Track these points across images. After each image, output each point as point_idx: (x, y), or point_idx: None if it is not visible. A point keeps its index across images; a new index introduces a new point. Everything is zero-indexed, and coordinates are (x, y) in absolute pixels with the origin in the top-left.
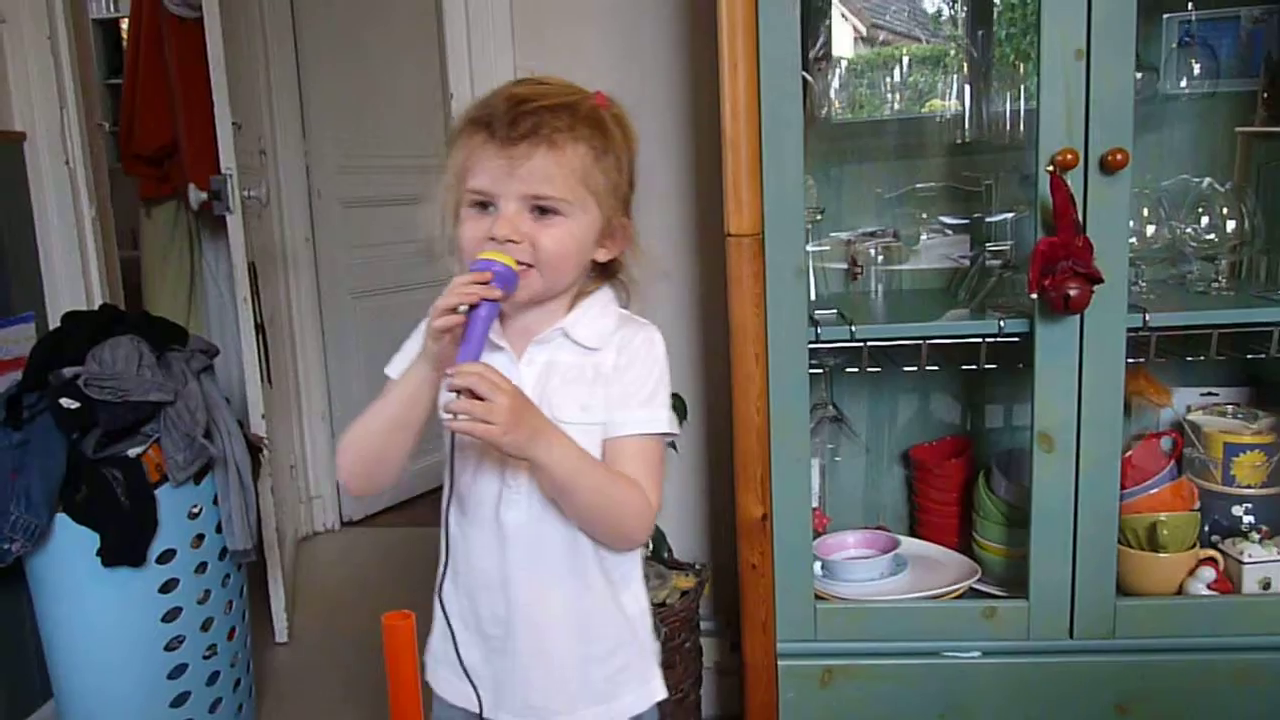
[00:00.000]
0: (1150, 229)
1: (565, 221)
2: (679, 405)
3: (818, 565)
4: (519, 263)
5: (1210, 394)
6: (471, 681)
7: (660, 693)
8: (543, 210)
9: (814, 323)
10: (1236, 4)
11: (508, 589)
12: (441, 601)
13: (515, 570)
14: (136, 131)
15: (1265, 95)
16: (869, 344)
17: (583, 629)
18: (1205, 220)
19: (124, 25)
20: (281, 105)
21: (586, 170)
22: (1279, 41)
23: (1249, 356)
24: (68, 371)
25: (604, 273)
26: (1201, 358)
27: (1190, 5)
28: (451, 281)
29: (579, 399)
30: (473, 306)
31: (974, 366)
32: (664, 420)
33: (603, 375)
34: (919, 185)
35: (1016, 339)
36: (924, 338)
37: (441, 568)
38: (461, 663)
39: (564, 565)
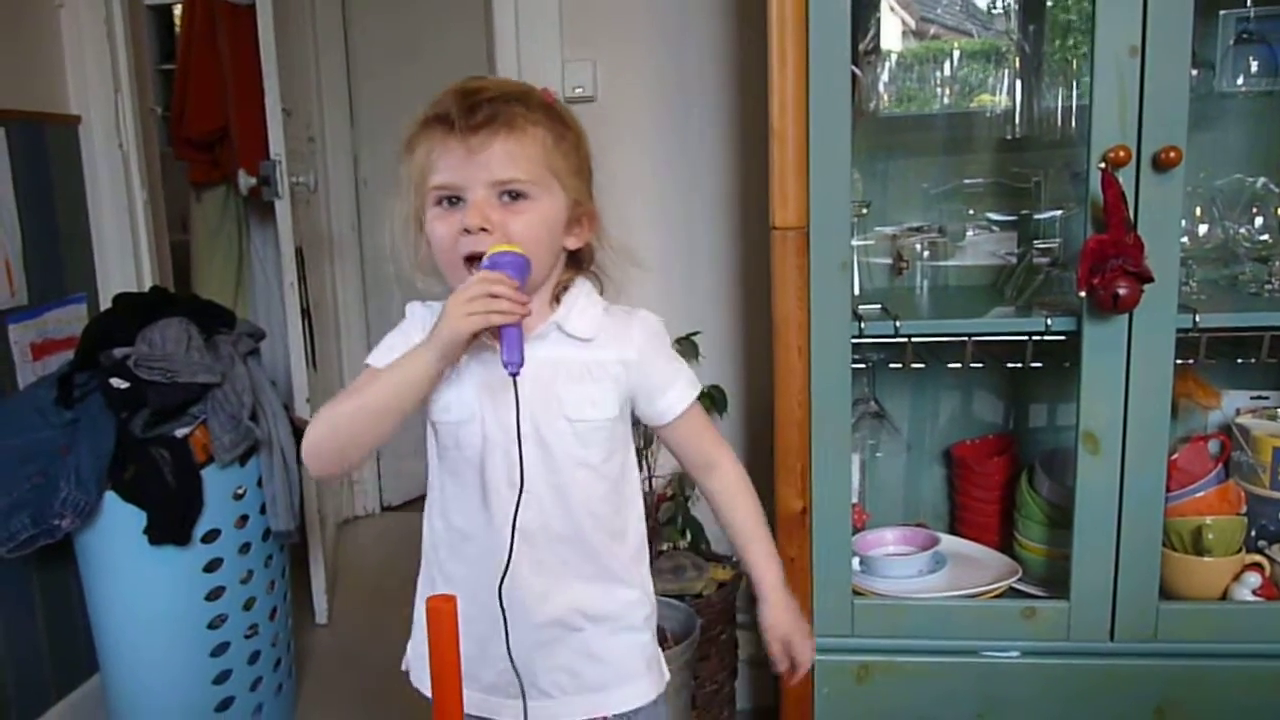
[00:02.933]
0: (1203, 229)
1: (534, 205)
2: (719, 397)
3: (856, 561)
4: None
5: (1260, 397)
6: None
7: (661, 686)
8: (511, 195)
9: (858, 317)
10: None
11: (528, 585)
12: (501, 601)
13: (528, 566)
14: (188, 116)
15: None
16: (913, 340)
17: (590, 620)
18: (1260, 221)
19: (177, 11)
20: (330, 93)
21: (548, 152)
22: None
23: None
24: (118, 352)
25: (574, 263)
26: (1253, 360)
27: (1248, 1)
28: (474, 282)
29: (589, 396)
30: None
31: (1019, 365)
32: (694, 378)
33: (609, 372)
34: (966, 181)
35: (1063, 337)
36: (969, 334)
37: (505, 566)
38: (511, 659)
39: (576, 558)
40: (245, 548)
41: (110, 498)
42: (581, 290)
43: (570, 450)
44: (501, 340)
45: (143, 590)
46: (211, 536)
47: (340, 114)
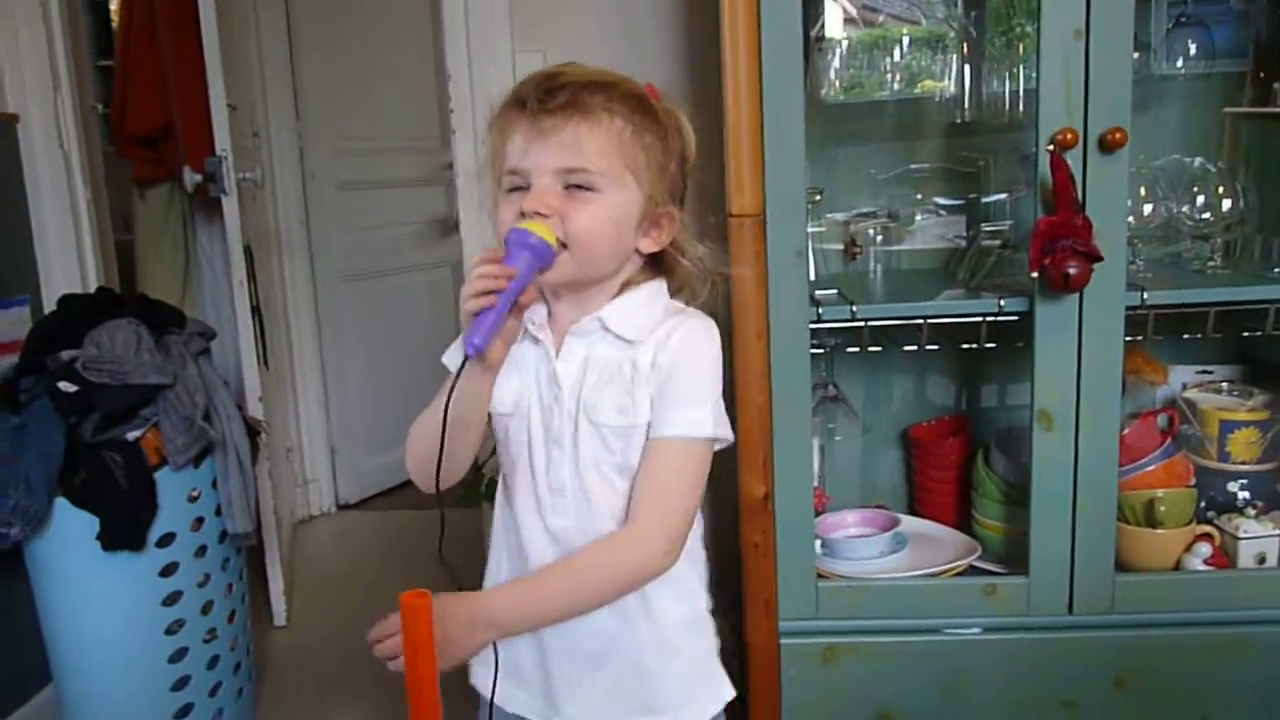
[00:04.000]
0: (1147, 208)
1: (599, 198)
2: None
3: (818, 544)
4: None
5: (1205, 372)
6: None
7: (725, 697)
8: (577, 186)
9: (815, 303)
10: None
11: None
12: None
13: None
14: (130, 113)
15: (1254, 76)
16: (869, 324)
17: (632, 637)
18: (1200, 200)
19: (113, 5)
20: (275, 87)
21: (623, 144)
22: (1267, 23)
23: (1244, 335)
24: (66, 355)
25: (656, 268)
26: (1198, 336)
27: None
28: (475, 261)
29: (614, 400)
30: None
31: (973, 345)
32: (708, 423)
33: (642, 374)
34: (914, 166)
35: (1016, 318)
36: (924, 317)
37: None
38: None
39: None
40: (201, 551)
41: (61, 504)
42: (646, 290)
43: (594, 453)
44: (473, 319)
45: (97, 598)
46: (166, 540)
47: (285, 108)
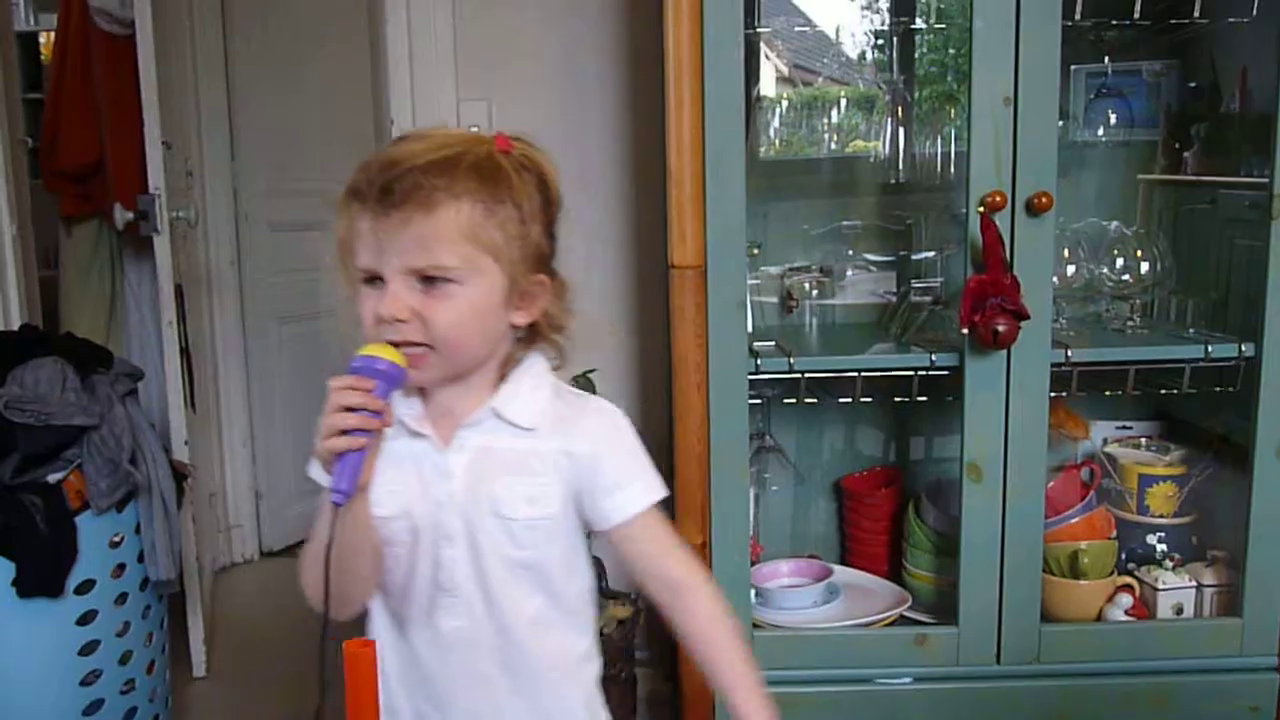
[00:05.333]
0: (1070, 269)
1: (458, 290)
2: None
3: (752, 593)
4: (414, 343)
5: (1125, 428)
6: None
7: None
8: (430, 280)
9: (753, 354)
10: (1139, 59)
11: (454, 697)
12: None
13: (459, 676)
14: (60, 148)
15: (1166, 144)
16: (806, 375)
17: None
18: (1120, 262)
19: (43, 39)
20: (210, 126)
21: (475, 228)
22: (1178, 95)
23: (1162, 392)
24: None
25: (532, 334)
26: (1119, 392)
27: (1103, 59)
28: (331, 391)
29: (525, 492)
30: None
31: (906, 399)
32: (657, 482)
33: (549, 464)
34: (845, 222)
35: (946, 372)
36: (860, 370)
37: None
38: None
39: (506, 664)
40: (122, 598)
41: None
42: (531, 370)
43: (503, 551)
44: (336, 460)
45: (10, 646)
46: (86, 587)
47: (220, 146)
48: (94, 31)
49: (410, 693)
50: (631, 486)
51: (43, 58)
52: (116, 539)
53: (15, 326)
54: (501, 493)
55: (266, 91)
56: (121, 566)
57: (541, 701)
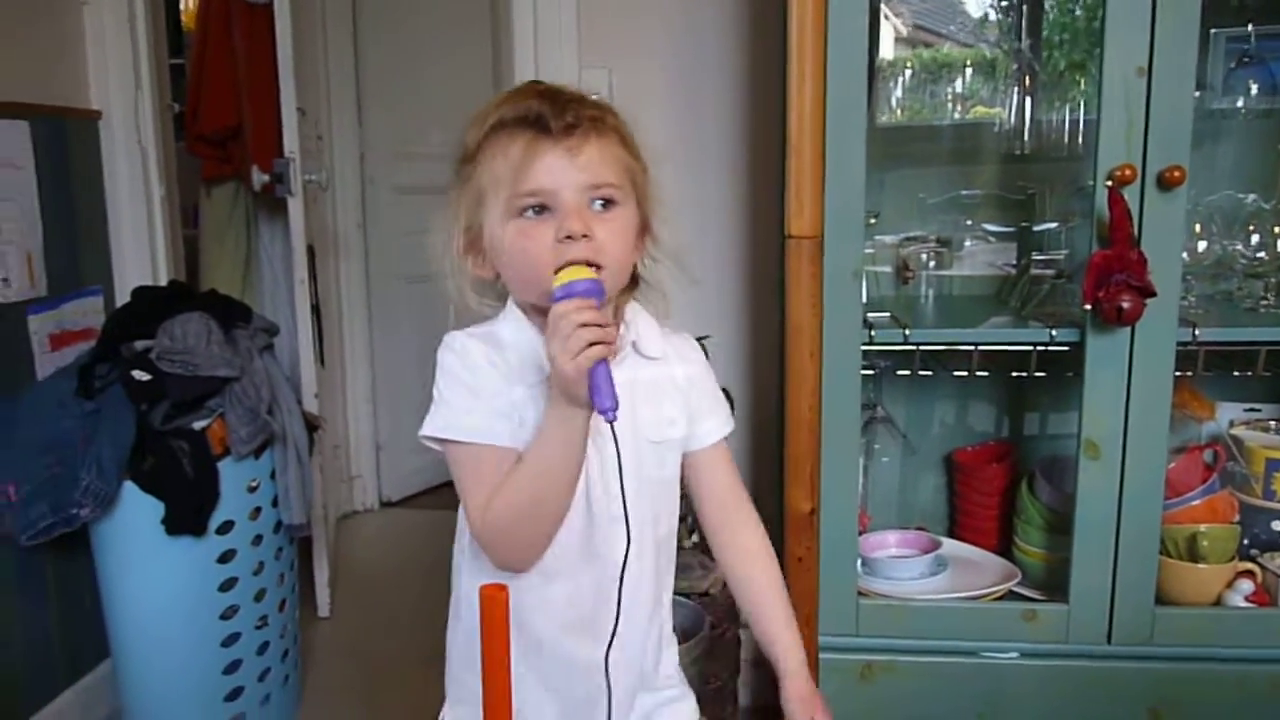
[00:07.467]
0: (1201, 245)
1: (621, 212)
2: (729, 400)
3: (859, 562)
4: (589, 264)
5: (1253, 409)
6: None
7: None
8: (604, 202)
9: (868, 325)
10: None
11: (607, 622)
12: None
13: (614, 600)
14: (202, 113)
15: None
16: (921, 348)
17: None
18: (1256, 238)
19: (182, 4)
20: (339, 92)
21: (625, 160)
22: None
23: None
24: (140, 345)
25: (632, 281)
26: (1248, 374)
27: (1247, 23)
28: (560, 317)
29: (666, 415)
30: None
31: (1023, 374)
32: (731, 415)
33: (678, 388)
34: (964, 192)
35: (1066, 348)
36: (976, 343)
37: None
38: None
39: (655, 584)
40: (258, 540)
41: (129, 488)
42: (639, 307)
43: (654, 474)
44: (592, 382)
45: (158, 580)
46: (226, 528)
47: (348, 114)
48: (234, 2)
49: (565, 627)
50: (717, 414)
51: (182, 23)
52: (254, 484)
53: (164, 282)
54: (645, 419)
55: (392, 61)
56: (258, 510)
57: (660, 620)
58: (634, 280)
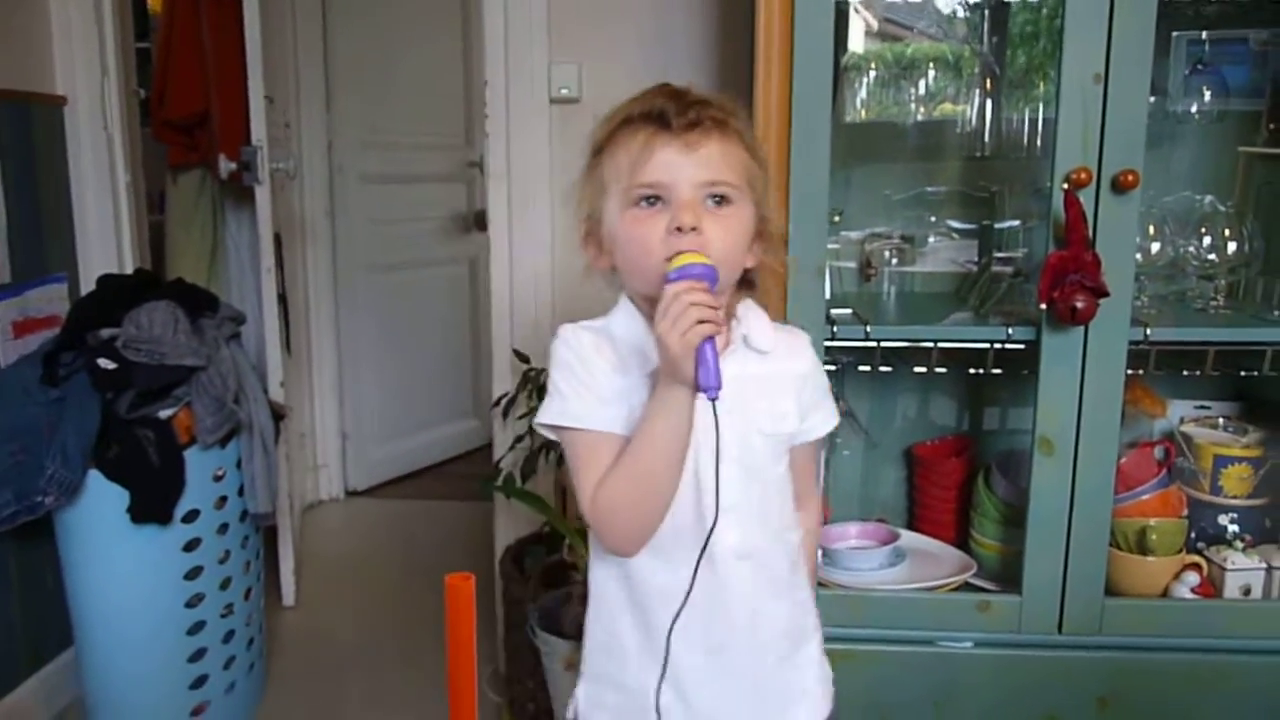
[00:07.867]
0: (1155, 246)
1: (734, 211)
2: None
3: (820, 554)
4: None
5: (1203, 407)
6: None
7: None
8: (717, 199)
9: (830, 321)
10: (1245, 26)
11: (722, 614)
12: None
13: (730, 592)
14: (169, 99)
15: (1270, 117)
16: (882, 344)
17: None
18: (1207, 240)
19: None
20: (307, 80)
21: (746, 162)
22: None
23: (1242, 374)
24: (105, 333)
25: (743, 283)
26: (1198, 373)
27: (1203, 29)
28: (672, 296)
29: (780, 409)
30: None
31: (980, 371)
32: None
33: (790, 383)
34: (929, 189)
35: (1022, 346)
36: (936, 340)
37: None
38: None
39: (782, 581)
40: (223, 528)
41: (94, 476)
42: (751, 303)
43: (767, 466)
44: (698, 361)
45: (123, 568)
46: (191, 516)
47: (317, 101)
48: None
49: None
50: (824, 408)
51: (148, 6)
52: (219, 473)
53: (129, 269)
54: (761, 412)
55: (362, 49)
56: (223, 499)
57: (790, 601)
58: (750, 283)
